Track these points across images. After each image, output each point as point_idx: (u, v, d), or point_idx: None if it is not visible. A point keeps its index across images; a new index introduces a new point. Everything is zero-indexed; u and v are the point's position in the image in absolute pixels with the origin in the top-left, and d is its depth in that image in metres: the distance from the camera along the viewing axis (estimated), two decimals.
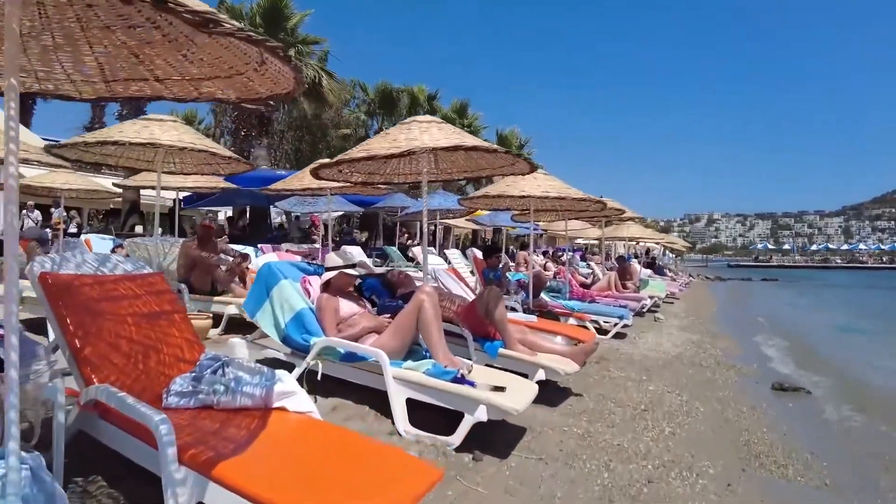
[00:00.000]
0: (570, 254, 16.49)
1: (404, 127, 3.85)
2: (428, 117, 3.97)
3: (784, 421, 4.59)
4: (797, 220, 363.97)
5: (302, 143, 22.81)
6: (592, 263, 13.59)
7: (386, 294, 4.73)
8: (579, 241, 24.56)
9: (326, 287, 3.62)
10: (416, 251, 14.22)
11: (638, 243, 21.84)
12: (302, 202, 9.61)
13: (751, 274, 48.36)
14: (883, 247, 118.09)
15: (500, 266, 7.00)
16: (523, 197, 5.60)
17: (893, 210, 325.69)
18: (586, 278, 11.22)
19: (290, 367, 3.49)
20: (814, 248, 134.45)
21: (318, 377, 3.30)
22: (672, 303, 13.66)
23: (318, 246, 9.56)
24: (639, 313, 9.61)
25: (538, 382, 3.97)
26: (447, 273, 5.92)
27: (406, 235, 20.18)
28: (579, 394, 4.48)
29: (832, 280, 42.71)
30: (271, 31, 15.28)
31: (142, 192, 14.15)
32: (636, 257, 19.24)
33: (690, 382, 5.41)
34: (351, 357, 3.32)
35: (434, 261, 6.56)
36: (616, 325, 7.37)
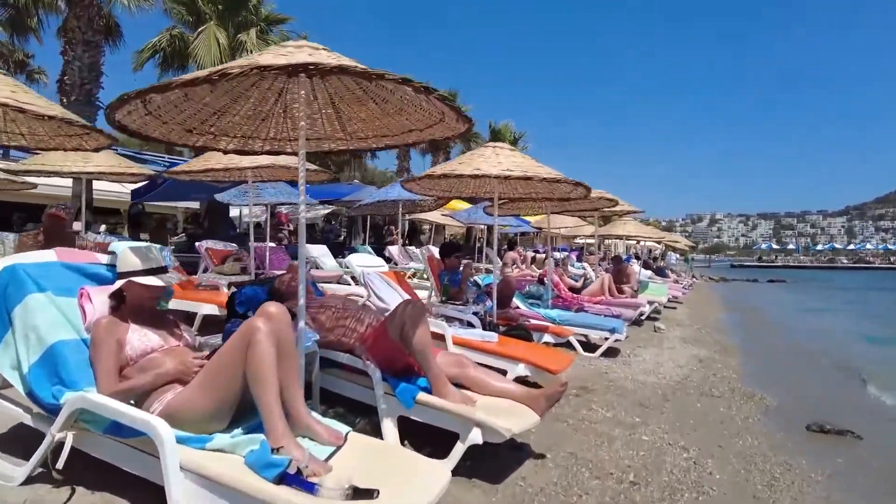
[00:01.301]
0: (566, 252, 15.02)
1: (268, 50, 2.47)
2: (309, 43, 2.57)
3: (837, 492, 3.18)
4: (800, 220, 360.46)
5: None
6: (586, 264, 12.14)
7: None
8: (578, 240, 23.02)
9: (116, 307, 2.24)
10: (393, 251, 12.81)
11: (639, 242, 20.24)
12: (242, 193, 8.17)
13: (755, 274, 46.73)
14: (890, 247, 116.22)
15: (461, 267, 5.60)
16: (477, 177, 4.20)
17: None
18: (576, 281, 9.78)
19: (39, 436, 2.12)
20: (819, 247, 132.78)
21: (61, 461, 1.92)
22: (675, 307, 12.24)
23: (269, 245, 8.16)
24: (636, 321, 8.23)
25: (472, 447, 2.62)
26: (383, 278, 4.53)
27: (392, 234, 18.85)
28: (541, 454, 3.10)
29: (841, 281, 41.10)
30: (233, 9, 13.92)
31: (94, 185, 12.81)
32: (637, 258, 17.57)
33: (699, 425, 4.01)
34: (121, 429, 1.94)
35: (367, 261, 5.17)
36: (607, 339, 6.00)
